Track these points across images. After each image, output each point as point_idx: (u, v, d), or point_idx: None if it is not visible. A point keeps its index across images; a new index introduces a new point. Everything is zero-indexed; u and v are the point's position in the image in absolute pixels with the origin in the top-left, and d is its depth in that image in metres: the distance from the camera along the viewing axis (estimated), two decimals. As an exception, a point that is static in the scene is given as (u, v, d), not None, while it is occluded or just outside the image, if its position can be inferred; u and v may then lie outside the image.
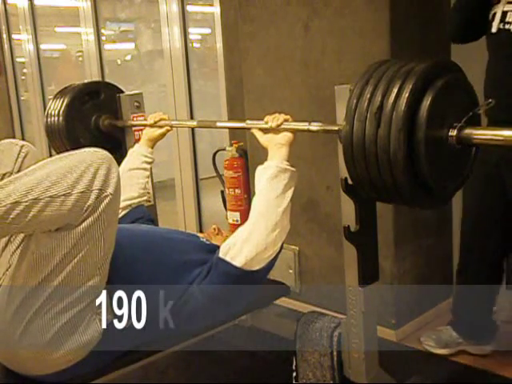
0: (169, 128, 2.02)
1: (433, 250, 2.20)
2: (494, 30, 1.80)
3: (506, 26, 1.77)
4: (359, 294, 1.46)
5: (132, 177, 1.96)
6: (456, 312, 2.19)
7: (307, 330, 1.63)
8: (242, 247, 1.47)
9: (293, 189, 1.50)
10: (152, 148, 2.03)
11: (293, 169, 1.51)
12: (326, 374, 1.59)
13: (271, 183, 1.49)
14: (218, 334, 2.18)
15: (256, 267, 1.48)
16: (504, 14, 1.78)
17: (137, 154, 2.01)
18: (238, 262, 1.47)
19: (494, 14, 1.80)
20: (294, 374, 1.68)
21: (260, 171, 1.54)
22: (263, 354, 2.36)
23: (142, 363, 1.68)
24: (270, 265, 1.52)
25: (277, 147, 1.54)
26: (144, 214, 1.93)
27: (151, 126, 2.02)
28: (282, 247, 1.53)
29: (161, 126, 2.01)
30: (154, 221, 1.97)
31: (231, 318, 1.66)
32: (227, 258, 1.48)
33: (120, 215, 1.88)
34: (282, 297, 2.04)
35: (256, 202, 1.52)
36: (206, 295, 1.51)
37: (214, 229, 1.87)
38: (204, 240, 1.74)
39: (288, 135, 1.55)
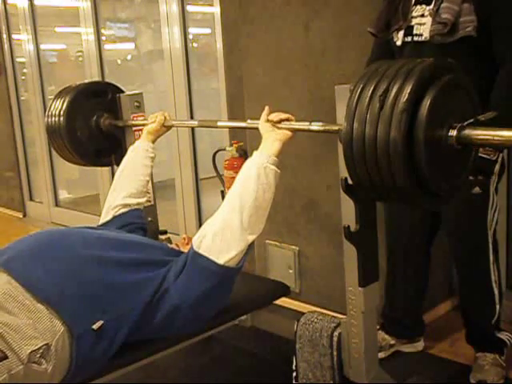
0: (165, 117, 2.02)
1: (432, 250, 2.20)
2: (398, 43, 1.89)
3: (409, 39, 1.86)
4: (359, 294, 1.46)
5: (133, 171, 1.96)
6: (386, 314, 2.24)
7: (307, 329, 1.63)
8: (213, 239, 1.47)
9: (273, 189, 1.49)
10: (153, 143, 2.02)
11: (277, 170, 1.49)
12: (325, 374, 1.58)
13: (254, 182, 1.47)
14: (218, 334, 2.19)
15: (225, 262, 1.46)
16: (409, 28, 1.86)
17: (138, 149, 2.00)
18: (214, 256, 1.46)
19: (399, 28, 1.87)
20: (294, 374, 1.68)
21: (247, 165, 1.52)
22: (263, 353, 2.36)
23: (141, 363, 1.68)
24: (242, 262, 1.51)
25: (271, 139, 1.54)
26: (138, 219, 1.91)
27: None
28: (252, 245, 1.51)
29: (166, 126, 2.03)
30: (145, 230, 1.94)
31: (212, 312, 1.62)
32: (202, 252, 1.48)
33: (118, 213, 1.89)
34: (282, 297, 2.04)
35: (233, 197, 1.50)
36: (180, 292, 1.50)
37: (184, 238, 1.88)
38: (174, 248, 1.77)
39: (286, 132, 1.55)
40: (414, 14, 1.85)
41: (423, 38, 1.83)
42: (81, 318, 1.38)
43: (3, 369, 1.24)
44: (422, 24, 1.83)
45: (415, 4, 1.86)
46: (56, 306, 1.36)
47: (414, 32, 1.85)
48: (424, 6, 1.83)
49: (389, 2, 1.91)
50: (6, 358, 1.25)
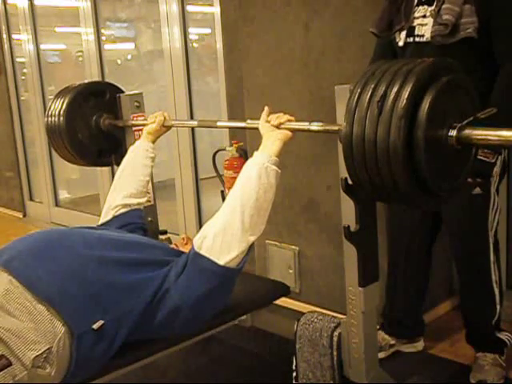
0: (165, 117, 2.01)
1: (433, 250, 2.21)
2: (400, 43, 1.89)
3: (410, 39, 1.86)
4: (359, 294, 1.46)
5: (133, 172, 1.96)
6: (386, 314, 2.24)
7: (307, 329, 1.63)
8: (214, 240, 1.46)
9: (274, 189, 1.48)
10: (153, 143, 2.02)
11: (278, 170, 1.49)
12: (325, 374, 1.58)
13: (255, 182, 1.46)
14: (218, 334, 2.19)
15: (226, 263, 1.46)
16: (411, 28, 1.86)
17: (138, 150, 2.00)
18: (214, 256, 1.46)
19: (401, 28, 1.88)
20: (294, 374, 1.68)
21: (248, 165, 1.52)
22: (263, 353, 2.36)
23: (141, 363, 1.68)
24: (242, 263, 1.50)
25: (272, 139, 1.53)
26: (138, 219, 1.91)
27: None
28: (252, 246, 1.51)
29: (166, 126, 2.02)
30: (146, 230, 1.94)
31: (213, 312, 1.61)
32: (203, 253, 1.47)
33: (118, 213, 1.89)
34: (282, 297, 2.04)
35: (234, 198, 1.49)
36: (180, 292, 1.50)
37: (183, 238, 1.88)
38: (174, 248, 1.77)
39: (287, 132, 1.55)
40: (416, 14, 1.85)
41: (424, 38, 1.83)
42: (81, 317, 1.38)
43: (8, 376, 1.24)
44: (424, 25, 1.83)
45: (417, 5, 1.86)
46: (56, 306, 1.36)
47: (416, 33, 1.85)
48: (426, 6, 1.83)
49: (391, 2, 1.90)
50: (10, 364, 1.26)
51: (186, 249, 1.70)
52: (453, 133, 1.17)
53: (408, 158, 1.12)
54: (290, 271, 2.50)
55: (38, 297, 1.36)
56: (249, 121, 1.73)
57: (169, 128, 2.05)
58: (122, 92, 2.30)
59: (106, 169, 3.67)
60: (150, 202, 2.16)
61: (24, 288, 1.36)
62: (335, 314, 1.72)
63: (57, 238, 1.55)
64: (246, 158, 1.62)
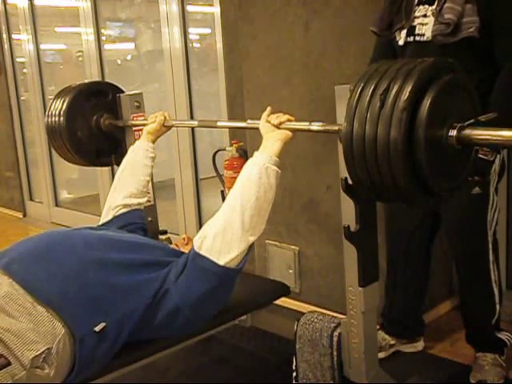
0: (165, 117, 2.01)
1: (433, 250, 2.21)
2: (401, 42, 1.89)
3: (411, 39, 1.86)
4: (359, 294, 1.46)
5: (134, 172, 1.95)
6: (386, 314, 2.24)
7: (307, 329, 1.63)
8: (214, 240, 1.46)
9: (274, 190, 1.49)
10: (153, 143, 2.02)
11: (278, 170, 1.49)
12: (325, 374, 1.59)
13: (255, 183, 1.46)
14: (218, 334, 2.19)
15: (226, 263, 1.46)
16: (411, 28, 1.86)
17: (138, 150, 2.00)
18: (214, 256, 1.46)
19: (401, 27, 1.87)
20: (294, 374, 1.68)
21: (248, 165, 1.52)
22: (263, 354, 2.36)
23: (141, 363, 1.68)
24: (242, 263, 1.50)
25: (272, 139, 1.53)
26: (138, 219, 1.91)
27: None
28: (252, 246, 1.51)
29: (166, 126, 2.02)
30: (146, 230, 1.94)
31: (213, 312, 1.61)
32: (203, 253, 1.47)
33: (118, 213, 1.88)
34: (282, 297, 2.04)
35: (234, 198, 1.49)
36: (180, 292, 1.50)
37: (184, 238, 1.88)
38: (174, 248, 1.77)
39: (287, 133, 1.55)
40: (416, 13, 1.85)
41: (425, 38, 1.82)
42: (82, 319, 1.38)
43: (7, 375, 1.24)
44: (425, 24, 1.83)
45: (418, 4, 1.86)
46: (57, 308, 1.36)
47: (416, 32, 1.85)
48: (427, 6, 1.83)
49: (391, 1, 1.90)
50: (9, 364, 1.25)
51: (187, 249, 1.70)
52: (453, 133, 1.17)
53: (408, 158, 1.12)
54: (290, 271, 2.50)
55: (38, 299, 1.35)
56: (249, 121, 1.73)
57: (169, 128, 2.05)
58: (122, 92, 2.30)
59: (106, 169, 3.67)
60: (150, 201, 2.17)
61: (24, 290, 1.36)
62: (335, 314, 1.72)
63: (58, 239, 1.55)
64: (246, 158, 1.62)
